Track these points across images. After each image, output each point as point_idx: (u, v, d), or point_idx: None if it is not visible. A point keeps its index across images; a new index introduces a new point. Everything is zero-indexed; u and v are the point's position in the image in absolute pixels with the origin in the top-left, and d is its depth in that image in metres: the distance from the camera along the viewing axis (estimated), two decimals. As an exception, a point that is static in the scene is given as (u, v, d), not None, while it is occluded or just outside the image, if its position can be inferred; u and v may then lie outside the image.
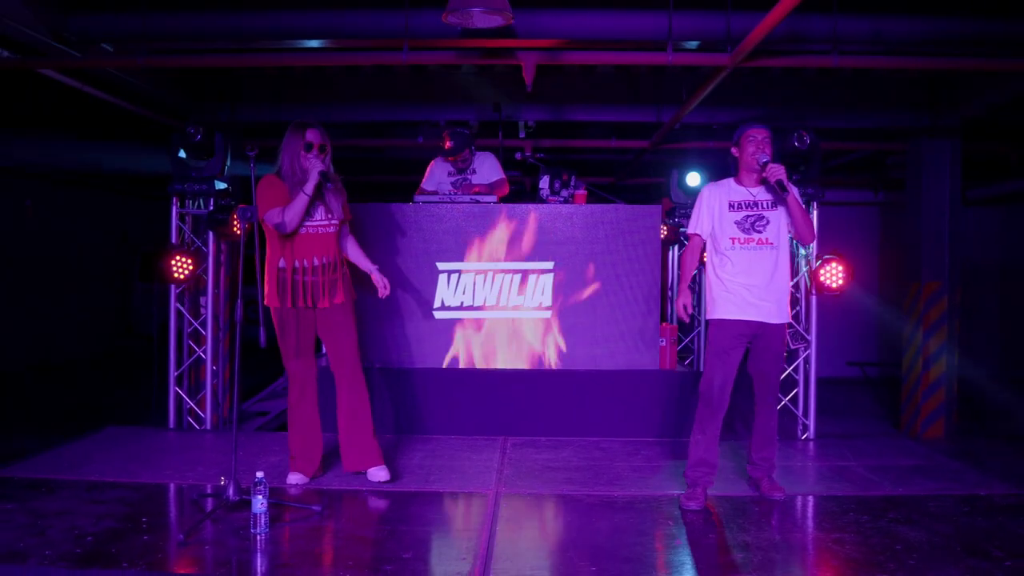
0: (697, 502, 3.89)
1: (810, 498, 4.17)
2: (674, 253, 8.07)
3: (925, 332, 8.14)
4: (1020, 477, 5.08)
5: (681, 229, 6.99)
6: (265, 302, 4.16)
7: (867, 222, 11.73)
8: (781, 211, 3.94)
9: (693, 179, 6.89)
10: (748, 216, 3.93)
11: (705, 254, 4.12)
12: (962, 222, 8.43)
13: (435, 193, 5.91)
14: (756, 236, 3.92)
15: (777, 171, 3.81)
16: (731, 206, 3.96)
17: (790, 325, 5.39)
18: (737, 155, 4.01)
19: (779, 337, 4.03)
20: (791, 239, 4.09)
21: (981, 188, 10.77)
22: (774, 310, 3.94)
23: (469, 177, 6.00)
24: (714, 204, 3.99)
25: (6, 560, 3.11)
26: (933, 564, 3.19)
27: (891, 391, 9.56)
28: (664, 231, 6.71)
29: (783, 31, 5.01)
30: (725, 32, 5.41)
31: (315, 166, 4.00)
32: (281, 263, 4.10)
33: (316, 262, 4.10)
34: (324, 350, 4.32)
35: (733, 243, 3.93)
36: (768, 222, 3.93)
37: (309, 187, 3.98)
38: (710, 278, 4.03)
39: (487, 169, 6.04)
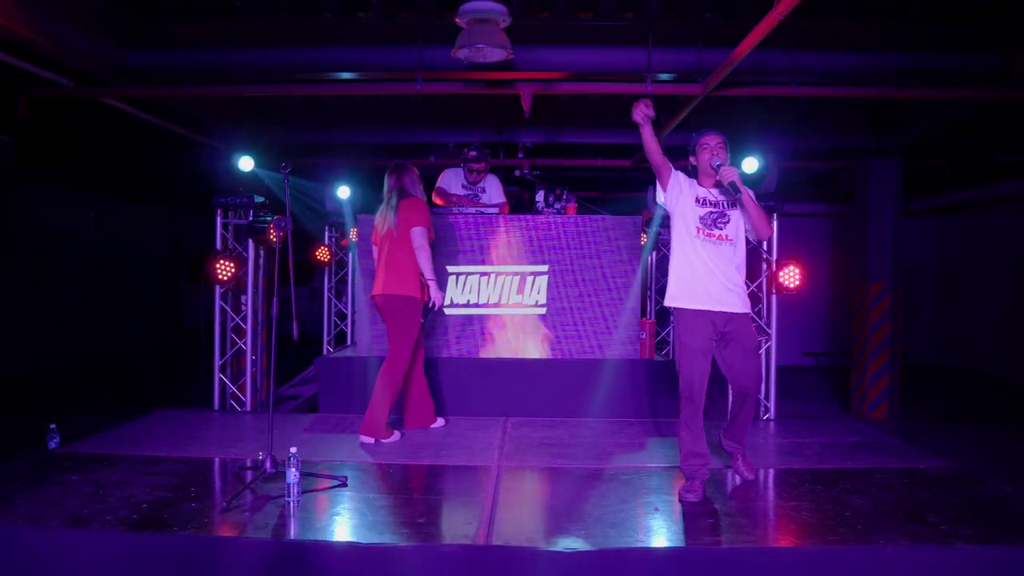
0: (696, 494, 3.58)
1: (771, 471, 4.17)
2: (652, 258, 8.06)
3: (871, 326, 8.16)
4: (953, 453, 5.09)
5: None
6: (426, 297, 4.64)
7: (821, 230, 11.73)
8: (740, 210, 3.68)
9: (660, 197, 6.98)
10: (711, 213, 3.68)
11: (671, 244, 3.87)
12: (904, 230, 8.45)
13: (448, 193, 5.93)
14: (717, 232, 3.65)
15: (730, 173, 3.58)
16: (697, 200, 3.71)
17: (753, 319, 5.28)
18: (695, 163, 3.76)
19: (747, 330, 3.71)
20: (747, 237, 3.79)
21: (921, 200, 10.79)
22: (737, 301, 3.65)
23: (480, 195, 6.00)
24: (686, 189, 3.73)
25: (73, 524, 3.13)
26: (878, 528, 3.20)
27: (841, 378, 9.56)
28: (644, 238, 6.72)
29: (748, 64, 5.02)
30: (697, 65, 5.43)
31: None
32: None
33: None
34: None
35: (698, 232, 3.66)
36: (729, 220, 3.68)
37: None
38: (675, 263, 3.73)
39: (494, 191, 6.04)
